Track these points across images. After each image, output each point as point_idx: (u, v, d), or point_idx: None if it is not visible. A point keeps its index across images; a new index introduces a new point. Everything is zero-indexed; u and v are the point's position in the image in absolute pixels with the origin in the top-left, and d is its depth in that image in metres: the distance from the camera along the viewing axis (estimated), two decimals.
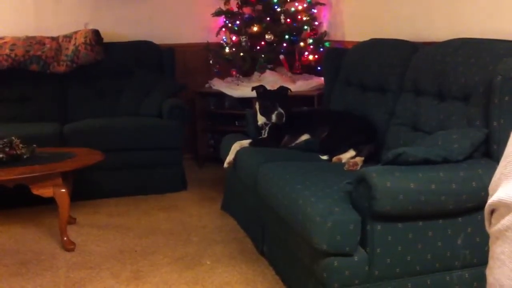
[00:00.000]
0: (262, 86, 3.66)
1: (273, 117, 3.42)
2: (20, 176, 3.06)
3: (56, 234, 3.30)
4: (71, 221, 3.54)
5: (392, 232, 2.18)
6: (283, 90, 3.62)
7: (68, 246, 3.18)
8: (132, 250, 3.18)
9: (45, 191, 3.14)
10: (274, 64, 4.81)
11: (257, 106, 3.61)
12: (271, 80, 4.47)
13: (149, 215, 3.77)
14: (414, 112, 2.93)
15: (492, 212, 0.89)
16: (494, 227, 0.87)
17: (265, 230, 3.01)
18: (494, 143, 2.30)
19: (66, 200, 3.17)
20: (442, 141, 2.36)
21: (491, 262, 0.88)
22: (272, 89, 3.67)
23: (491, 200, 0.88)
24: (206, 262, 2.99)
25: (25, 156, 3.26)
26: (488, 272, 0.89)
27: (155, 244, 3.26)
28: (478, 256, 2.31)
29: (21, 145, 3.27)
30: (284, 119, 3.41)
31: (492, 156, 2.30)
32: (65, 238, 3.20)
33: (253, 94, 3.72)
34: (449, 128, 2.54)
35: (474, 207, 2.24)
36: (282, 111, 3.41)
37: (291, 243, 2.61)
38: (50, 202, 3.22)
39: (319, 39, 4.72)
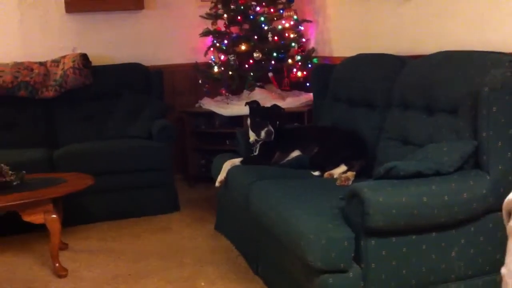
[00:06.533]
0: (255, 102, 3.67)
1: (263, 133, 3.42)
2: (10, 204, 3.02)
3: (48, 261, 3.25)
4: (63, 247, 3.49)
5: (386, 247, 2.18)
6: (276, 108, 3.62)
7: (60, 273, 3.14)
8: (125, 274, 3.14)
9: (35, 218, 3.11)
10: (263, 82, 4.82)
11: (248, 121, 3.61)
12: (261, 97, 4.47)
13: (141, 238, 3.73)
14: (403, 126, 2.94)
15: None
16: (508, 224, 1.05)
17: (259, 249, 2.98)
18: (483, 154, 2.30)
19: (57, 226, 3.14)
20: (432, 154, 2.36)
21: (506, 257, 1.07)
22: (264, 106, 3.67)
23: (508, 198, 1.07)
24: (200, 284, 2.95)
25: (14, 183, 3.23)
26: (504, 267, 1.08)
27: (149, 267, 3.22)
28: (473, 267, 2.31)
29: (10, 172, 3.25)
30: (273, 137, 3.41)
31: (482, 167, 2.31)
32: (57, 265, 3.16)
33: (243, 112, 3.72)
34: (439, 141, 2.54)
35: (466, 218, 2.24)
36: (271, 128, 3.41)
37: (285, 261, 2.59)
38: (41, 229, 3.18)
39: (307, 55, 4.74)
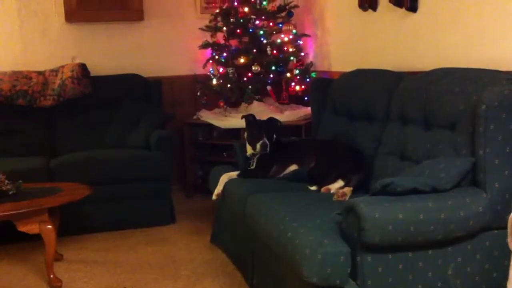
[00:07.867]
0: (251, 115, 3.67)
1: (258, 146, 3.42)
2: (5, 213, 3.00)
3: (43, 271, 3.24)
4: (58, 257, 3.48)
5: (382, 263, 2.17)
6: (272, 121, 3.63)
7: (55, 284, 3.12)
8: (120, 286, 3.12)
9: (31, 228, 3.09)
10: (261, 95, 4.83)
11: (245, 134, 3.62)
12: (259, 110, 4.48)
13: (137, 249, 3.72)
14: (401, 141, 2.94)
15: None
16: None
17: (255, 262, 2.97)
18: (480, 172, 2.30)
19: (52, 237, 3.12)
20: (429, 171, 2.36)
21: (510, 271, 1.16)
22: (261, 119, 3.68)
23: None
24: None
25: (10, 192, 3.21)
26: (508, 282, 1.18)
27: (144, 279, 3.21)
28: (470, 285, 2.30)
29: (6, 181, 3.23)
30: (268, 149, 3.41)
31: (479, 185, 2.31)
32: (51, 276, 3.14)
33: (241, 125, 3.72)
34: (436, 157, 2.55)
35: (463, 236, 2.24)
36: (267, 141, 3.41)
37: (281, 275, 2.58)
38: (36, 238, 3.16)
39: (306, 69, 4.76)
